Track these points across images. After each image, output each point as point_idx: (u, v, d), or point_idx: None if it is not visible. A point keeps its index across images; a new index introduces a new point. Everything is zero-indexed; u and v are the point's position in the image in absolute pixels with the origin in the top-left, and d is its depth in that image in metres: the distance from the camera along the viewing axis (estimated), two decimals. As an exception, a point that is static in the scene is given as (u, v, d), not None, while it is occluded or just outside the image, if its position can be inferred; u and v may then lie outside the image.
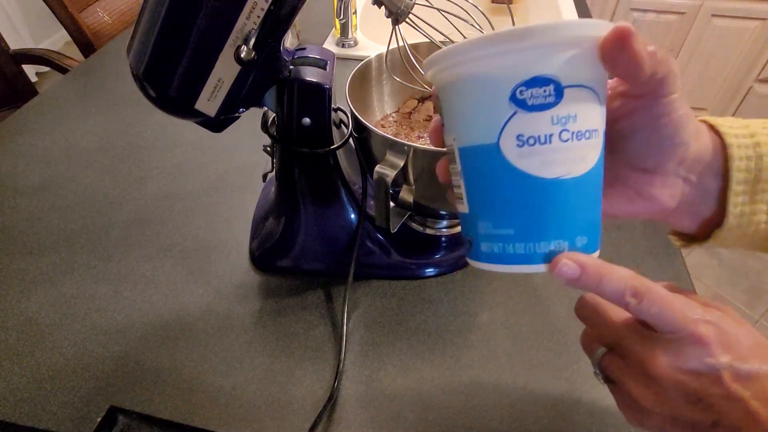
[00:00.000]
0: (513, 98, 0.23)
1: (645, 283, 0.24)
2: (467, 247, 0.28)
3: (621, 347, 0.26)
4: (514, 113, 0.23)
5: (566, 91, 0.22)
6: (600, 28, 0.23)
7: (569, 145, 0.23)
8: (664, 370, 0.23)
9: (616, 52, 0.23)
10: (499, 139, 0.24)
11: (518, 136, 0.23)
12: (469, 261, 0.28)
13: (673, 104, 0.25)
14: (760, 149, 0.27)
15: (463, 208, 0.27)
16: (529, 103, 0.22)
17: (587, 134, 0.23)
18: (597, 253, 0.26)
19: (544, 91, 0.22)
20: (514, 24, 0.45)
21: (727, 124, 0.28)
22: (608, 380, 0.28)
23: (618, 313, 0.27)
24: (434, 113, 0.57)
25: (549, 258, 0.25)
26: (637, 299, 0.23)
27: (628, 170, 0.29)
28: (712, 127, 0.28)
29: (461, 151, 0.26)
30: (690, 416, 0.24)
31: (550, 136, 0.23)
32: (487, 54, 0.23)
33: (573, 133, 0.23)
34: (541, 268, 0.25)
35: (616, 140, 0.28)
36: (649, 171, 0.28)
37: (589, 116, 0.23)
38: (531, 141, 0.23)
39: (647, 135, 0.27)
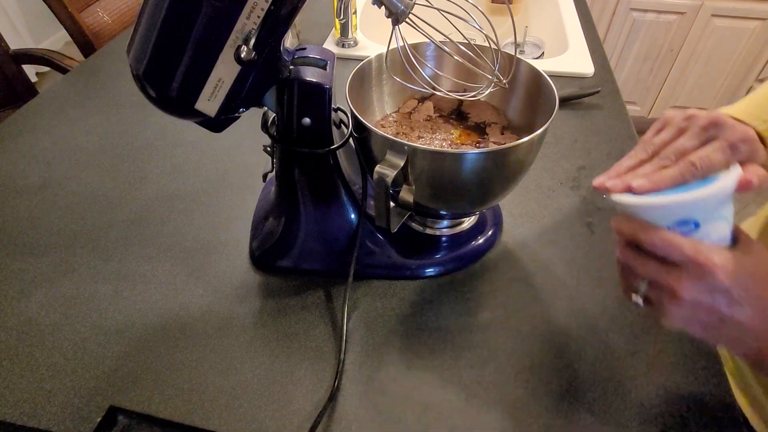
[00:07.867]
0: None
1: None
2: None
3: (657, 278, 0.34)
4: None
5: (702, 224, 0.33)
6: (720, 182, 0.33)
7: None
8: (686, 292, 0.32)
9: None
10: None
11: None
12: None
13: None
14: None
15: None
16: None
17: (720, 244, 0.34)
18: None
19: (686, 225, 0.33)
20: (513, 24, 0.45)
21: None
22: (646, 302, 0.36)
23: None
24: (434, 113, 0.57)
25: None
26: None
27: None
28: None
29: None
30: (705, 318, 0.33)
31: None
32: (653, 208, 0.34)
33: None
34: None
35: None
36: None
37: (718, 232, 0.34)
38: None
39: None
